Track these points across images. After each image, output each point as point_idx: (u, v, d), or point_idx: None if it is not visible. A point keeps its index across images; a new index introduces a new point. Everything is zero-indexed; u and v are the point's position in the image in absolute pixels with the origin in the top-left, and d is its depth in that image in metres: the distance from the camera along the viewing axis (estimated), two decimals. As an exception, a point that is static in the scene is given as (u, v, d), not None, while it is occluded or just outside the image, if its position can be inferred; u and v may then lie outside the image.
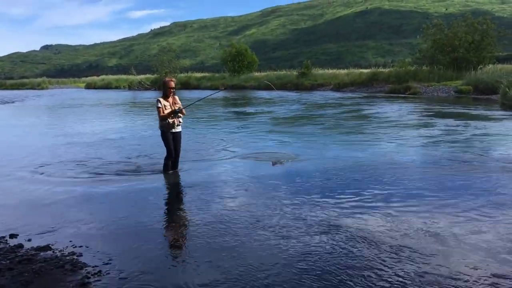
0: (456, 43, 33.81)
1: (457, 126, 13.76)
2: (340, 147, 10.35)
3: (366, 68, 50.50)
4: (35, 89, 67.64)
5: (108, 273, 3.93)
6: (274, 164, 8.52)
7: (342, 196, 6.17)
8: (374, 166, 8.15)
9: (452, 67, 34.03)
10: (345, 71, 45.74)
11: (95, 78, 75.03)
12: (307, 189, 6.57)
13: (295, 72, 47.39)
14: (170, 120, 7.64)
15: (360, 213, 5.45)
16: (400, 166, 8.11)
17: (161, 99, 7.66)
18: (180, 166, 8.13)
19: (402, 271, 3.85)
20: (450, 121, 14.93)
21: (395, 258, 4.11)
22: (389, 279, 3.69)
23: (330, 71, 48.18)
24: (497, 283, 3.61)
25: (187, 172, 7.97)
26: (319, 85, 41.65)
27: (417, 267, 3.92)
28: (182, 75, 57.03)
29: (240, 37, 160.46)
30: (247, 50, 55.99)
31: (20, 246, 4.60)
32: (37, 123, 18.46)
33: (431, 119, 15.92)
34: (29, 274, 3.90)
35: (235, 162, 8.89)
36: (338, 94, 33.55)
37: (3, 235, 4.93)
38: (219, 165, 8.63)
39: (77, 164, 8.83)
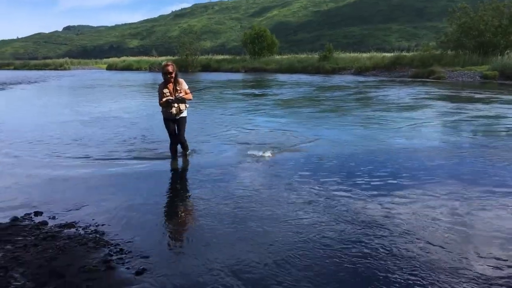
0: (482, 27, 32.90)
1: (480, 111, 13.49)
2: (360, 130, 10.24)
3: (389, 52, 49.50)
4: (57, 69, 68.40)
5: (130, 251, 3.99)
6: (264, 152, 7.80)
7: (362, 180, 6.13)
8: (389, 151, 8.06)
9: (478, 52, 33.15)
10: (367, 54, 45.03)
11: (116, 59, 75.47)
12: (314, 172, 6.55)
13: (316, 56, 46.84)
14: (169, 110, 7.29)
15: (383, 198, 5.41)
16: (419, 151, 8.00)
17: (162, 85, 7.32)
18: (191, 147, 8.04)
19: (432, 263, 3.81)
20: (474, 106, 14.67)
21: (426, 250, 4.07)
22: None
23: (352, 54, 47.51)
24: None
25: (196, 156, 7.90)
26: (341, 68, 41.10)
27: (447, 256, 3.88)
28: (202, 57, 56.90)
29: (261, 19, 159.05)
30: (267, 32, 55.48)
31: (45, 223, 4.69)
32: (57, 103, 18.71)
33: (454, 104, 15.65)
34: (53, 250, 3.98)
35: (236, 145, 8.78)
36: (359, 78, 33.10)
37: (28, 212, 5.03)
38: (221, 148, 8.60)
39: (97, 145, 8.94)
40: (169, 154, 7.73)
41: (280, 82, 29.96)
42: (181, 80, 7.38)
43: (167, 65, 7.27)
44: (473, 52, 33.44)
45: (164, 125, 7.57)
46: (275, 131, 10.39)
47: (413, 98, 17.64)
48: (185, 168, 7.25)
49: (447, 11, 37.41)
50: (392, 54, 42.86)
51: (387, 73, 35.72)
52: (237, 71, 48.31)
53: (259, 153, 7.82)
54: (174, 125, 7.51)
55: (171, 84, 7.27)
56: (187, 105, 7.54)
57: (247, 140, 9.24)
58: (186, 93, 7.36)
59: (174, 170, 7.14)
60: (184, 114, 7.50)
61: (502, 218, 4.71)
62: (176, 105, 7.27)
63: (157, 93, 7.40)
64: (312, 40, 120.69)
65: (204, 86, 8.56)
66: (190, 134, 8.33)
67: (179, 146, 7.71)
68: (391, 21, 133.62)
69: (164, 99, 7.20)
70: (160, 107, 7.44)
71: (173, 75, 7.23)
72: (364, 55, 44.98)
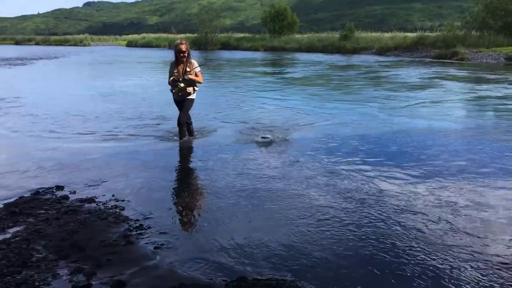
0: (510, 7, 31.97)
1: (505, 95, 13.21)
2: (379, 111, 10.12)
3: (411, 32, 48.48)
4: (77, 45, 68.88)
5: (149, 227, 4.03)
6: (263, 138, 7.39)
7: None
8: (413, 132, 7.95)
9: (504, 33, 32.27)
10: (389, 34, 44.17)
11: (136, 36, 75.52)
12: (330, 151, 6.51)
13: (337, 35, 46.17)
14: (175, 91, 7.05)
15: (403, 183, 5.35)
16: (440, 132, 7.88)
17: (172, 64, 7.07)
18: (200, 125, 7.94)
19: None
20: (496, 88, 14.40)
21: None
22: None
23: (373, 34, 46.66)
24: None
25: (207, 135, 7.86)
26: (362, 48, 40.51)
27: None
28: (222, 35, 56.62)
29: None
30: (287, 10, 54.79)
31: (66, 197, 4.76)
32: (77, 78, 18.87)
33: (463, 84, 15.45)
34: (74, 224, 4.04)
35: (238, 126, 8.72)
36: (380, 58, 32.60)
37: (50, 186, 5.11)
38: (228, 127, 8.57)
39: (115, 121, 9.03)
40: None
41: (296, 61, 29.84)
42: (193, 61, 7.06)
43: (180, 43, 6.98)
44: (499, 33, 32.60)
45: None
46: (282, 109, 10.64)
47: (424, 78, 17.82)
48: (193, 148, 7.10)
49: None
50: (414, 34, 41.97)
51: (409, 53, 35.11)
52: (256, 49, 48.00)
53: (266, 133, 7.66)
54: (180, 106, 7.26)
55: (182, 64, 6.97)
56: (196, 88, 7.21)
57: (254, 119, 9.29)
58: (196, 75, 7.02)
59: (183, 149, 7.06)
60: (192, 96, 7.19)
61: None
62: (181, 85, 6.92)
63: (167, 72, 7.20)
64: (332, 19, 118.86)
65: (205, 61, 8.75)
66: (198, 111, 8.29)
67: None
68: (415, 0, 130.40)
69: (171, 79, 6.98)
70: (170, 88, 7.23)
71: (186, 54, 6.94)
72: (386, 34, 44.12)
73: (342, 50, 41.05)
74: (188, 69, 6.92)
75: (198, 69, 7.03)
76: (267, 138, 7.34)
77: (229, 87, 15.14)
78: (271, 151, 6.72)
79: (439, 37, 35.39)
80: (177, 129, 7.32)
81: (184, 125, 7.19)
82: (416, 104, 11.37)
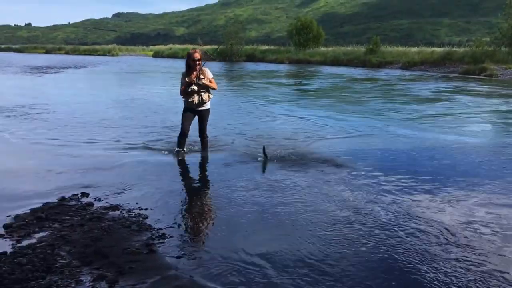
0: (540, 23, 31.39)
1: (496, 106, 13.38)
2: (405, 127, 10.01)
3: (438, 46, 47.95)
4: (106, 55, 70.25)
5: (172, 236, 4.04)
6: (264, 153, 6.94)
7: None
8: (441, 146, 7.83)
9: (535, 49, 31.66)
10: (416, 49, 43.77)
11: (162, 47, 76.67)
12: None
13: (363, 49, 45.99)
14: (190, 99, 6.89)
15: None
16: (468, 148, 7.73)
17: (184, 74, 6.97)
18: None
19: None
20: (496, 102, 14.46)
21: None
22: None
23: (400, 48, 46.29)
24: None
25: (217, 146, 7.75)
26: (387, 62, 40.21)
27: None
28: (247, 47, 57.04)
29: (308, 10, 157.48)
30: (313, 23, 54.88)
31: (91, 204, 4.81)
32: (104, 88, 19.22)
33: (479, 98, 15.30)
34: (98, 231, 4.08)
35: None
36: (405, 73, 32.27)
37: (75, 193, 5.18)
38: (235, 138, 8.63)
39: (140, 130, 9.13)
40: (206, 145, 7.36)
41: (317, 74, 30.00)
42: (206, 69, 6.98)
43: (195, 51, 6.93)
44: (530, 49, 31.96)
45: (182, 115, 7.13)
46: (289, 118, 11.30)
47: (438, 92, 17.85)
48: (215, 159, 7.01)
49: (503, 6, 35.79)
50: (442, 49, 41.49)
51: (436, 68, 34.70)
52: (281, 62, 48.12)
53: (274, 146, 7.52)
54: (192, 117, 7.08)
55: (194, 73, 6.87)
56: (211, 96, 7.09)
57: (260, 131, 9.40)
58: (210, 82, 6.95)
59: (205, 160, 6.97)
60: (207, 106, 7.08)
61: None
62: (197, 94, 6.86)
63: (179, 82, 7.07)
64: (358, 33, 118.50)
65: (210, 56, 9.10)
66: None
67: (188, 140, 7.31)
68: (443, 15, 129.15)
69: (185, 84, 6.84)
70: (182, 97, 7.09)
71: (200, 62, 6.87)
72: (413, 49, 43.71)
73: (367, 64, 40.83)
74: (202, 77, 6.87)
75: (211, 76, 6.99)
76: (263, 157, 6.93)
77: (238, 97, 15.74)
78: (287, 165, 6.68)
79: (467, 52, 34.89)
80: (198, 139, 7.34)
81: (206, 137, 7.25)
82: (420, 117, 11.76)
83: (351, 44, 56.50)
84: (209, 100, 7.05)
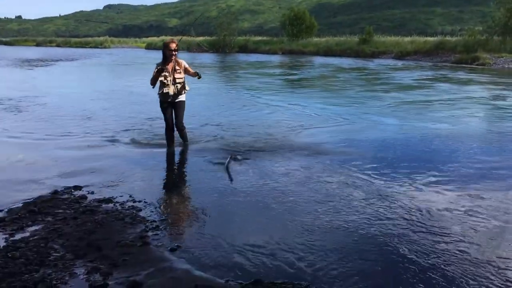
0: (533, 11, 31.42)
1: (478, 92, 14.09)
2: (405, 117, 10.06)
3: (431, 36, 47.93)
4: (98, 47, 69.73)
5: (166, 229, 4.05)
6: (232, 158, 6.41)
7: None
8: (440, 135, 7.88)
9: (527, 38, 31.72)
10: (409, 38, 43.77)
11: (155, 38, 76.07)
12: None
13: (356, 39, 45.92)
14: (165, 90, 6.63)
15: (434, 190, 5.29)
16: (461, 139, 7.78)
17: (158, 64, 6.62)
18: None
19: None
20: (477, 89, 14.98)
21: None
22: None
23: (393, 38, 46.26)
24: None
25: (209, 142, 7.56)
26: (381, 52, 40.18)
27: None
28: (240, 38, 56.76)
29: (301, 0, 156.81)
30: (306, 13, 54.65)
31: (84, 197, 4.80)
32: (96, 79, 19.10)
33: (498, 91, 15.21)
34: (91, 224, 4.07)
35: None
36: (398, 63, 32.29)
37: (68, 186, 5.16)
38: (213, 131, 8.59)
39: (132, 124, 9.08)
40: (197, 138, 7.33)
41: (307, 64, 30.03)
42: (181, 61, 6.80)
43: (172, 41, 6.71)
44: (522, 37, 32.03)
45: (161, 109, 6.92)
46: (272, 107, 11.55)
47: (421, 80, 18.22)
48: (210, 151, 6.91)
49: (496, -5, 35.82)
50: (434, 38, 41.51)
51: (429, 58, 34.73)
52: (274, 53, 47.97)
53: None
54: (171, 109, 6.86)
55: (171, 63, 6.64)
56: (187, 88, 6.88)
57: (239, 120, 9.55)
58: (188, 69, 6.81)
59: (201, 153, 6.85)
60: (182, 98, 6.87)
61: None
62: (173, 85, 6.64)
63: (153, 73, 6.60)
64: (351, 22, 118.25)
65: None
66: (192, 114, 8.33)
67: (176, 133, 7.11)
68: (435, 5, 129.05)
69: (157, 70, 6.50)
70: (156, 89, 6.77)
71: (176, 53, 6.68)
72: (406, 39, 43.72)
73: (360, 54, 40.79)
74: (177, 68, 6.67)
75: (187, 65, 6.85)
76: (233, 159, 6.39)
77: (224, 87, 16.21)
78: (285, 156, 6.69)
79: (460, 41, 34.92)
80: (192, 131, 7.33)
81: (184, 128, 7.03)
82: (394, 104, 12.11)
83: (344, 34, 56.43)
84: (185, 93, 6.87)
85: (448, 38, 40.49)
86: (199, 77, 6.82)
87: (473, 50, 31.46)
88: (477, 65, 28.89)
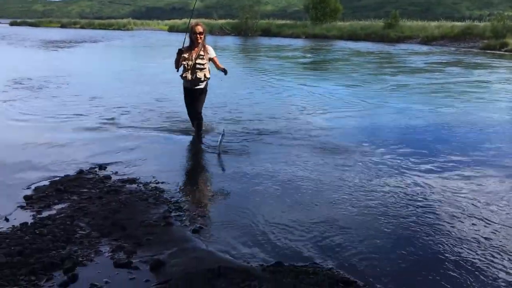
0: None
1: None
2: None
3: (459, 21, 46.69)
4: (121, 29, 69.99)
5: (188, 210, 4.10)
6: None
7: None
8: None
9: (559, 23, 30.66)
10: (435, 23, 42.71)
11: (177, 21, 75.89)
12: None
13: (381, 23, 45.03)
14: (184, 74, 6.34)
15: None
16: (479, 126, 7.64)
17: (181, 49, 6.21)
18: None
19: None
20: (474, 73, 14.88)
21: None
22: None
23: (419, 23, 45.20)
24: None
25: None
26: (406, 37, 39.29)
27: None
28: (263, 21, 56.22)
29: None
30: (330, -3, 53.69)
31: (108, 177, 4.88)
32: (118, 62, 19.24)
33: (464, 69, 15.32)
34: (116, 203, 4.14)
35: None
36: (422, 48, 31.61)
37: (93, 166, 5.24)
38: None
39: (155, 107, 9.14)
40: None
41: (328, 48, 29.57)
42: (209, 47, 6.43)
43: (197, 24, 6.37)
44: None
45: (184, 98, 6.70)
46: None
47: (431, 64, 18.07)
48: (230, 135, 6.93)
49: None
50: (462, 23, 40.45)
51: (456, 43, 33.90)
52: (297, 37, 47.40)
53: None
54: (190, 97, 6.57)
55: (196, 48, 6.30)
56: (208, 76, 6.47)
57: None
58: (216, 62, 6.42)
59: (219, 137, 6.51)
60: (202, 85, 6.49)
61: None
62: (191, 71, 6.30)
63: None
64: (377, 6, 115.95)
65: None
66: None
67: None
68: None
69: (178, 52, 6.19)
70: (180, 73, 6.46)
71: (202, 36, 6.32)
72: (432, 23, 42.67)
73: (385, 38, 39.97)
74: (202, 54, 6.30)
75: (214, 55, 6.47)
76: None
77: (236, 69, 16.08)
78: (304, 139, 6.67)
79: (488, 27, 33.97)
80: (215, 120, 7.31)
81: (202, 118, 6.70)
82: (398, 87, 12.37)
83: (369, 18, 55.36)
84: (205, 80, 6.47)
85: (476, 23, 39.41)
86: (226, 73, 6.38)
87: (502, 36, 30.59)
88: (505, 51, 28.13)
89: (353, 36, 42.75)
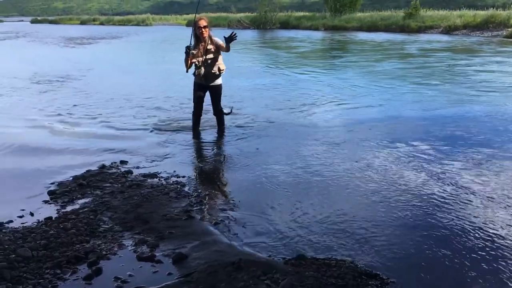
0: None
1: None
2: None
3: (482, 9, 45.69)
4: (139, 25, 70.41)
5: (209, 203, 4.12)
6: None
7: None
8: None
9: None
10: (458, 12, 41.86)
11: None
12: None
13: (401, 13, 44.34)
14: (197, 71, 6.18)
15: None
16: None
17: (187, 46, 6.04)
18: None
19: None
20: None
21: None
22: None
23: (441, 12, 44.35)
24: None
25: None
26: (427, 27, 38.56)
27: None
28: (281, 13, 55.86)
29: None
30: (349, -13, 53.01)
31: (130, 172, 4.92)
32: (137, 58, 19.39)
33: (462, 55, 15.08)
34: (138, 197, 4.18)
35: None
36: (443, 37, 31.04)
37: (115, 161, 5.30)
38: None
39: (173, 103, 9.17)
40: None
41: (347, 40, 29.10)
42: (215, 38, 6.20)
43: (200, 18, 6.25)
44: None
45: (193, 92, 6.52)
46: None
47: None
48: (247, 131, 6.89)
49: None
50: (485, 12, 39.56)
51: (479, 32, 33.17)
52: (316, 29, 46.97)
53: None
54: (203, 94, 6.41)
55: (203, 43, 6.09)
56: (222, 69, 6.29)
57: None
58: (222, 46, 6.09)
59: (236, 131, 6.74)
60: (217, 82, 6.37)
61: None
62: (203, 66, 6.14)
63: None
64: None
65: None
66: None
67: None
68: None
69: (197, 59, 6.07)
70: (191, 70, 6.26)
71: (206, 30, 6.09)
72: (454, 12, 41.81)
73: (406, 29, 39.31)
74: (210, 47, 6.10)
75: (220, 42, 6.16)
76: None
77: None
78: (323, 136, 6.62)
79: (512, 14, 33.16)
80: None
81: (222, 113, 6.65)
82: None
83: (389, 8, 54.56)
84: (219, 73, 6.30)
85: (500, 11, 38.49)
86: (230, 41, 5.96)
87: (527, 24, 29.85)
88: (530, 39, 27.46)
89: (372, 27, 42.15)
